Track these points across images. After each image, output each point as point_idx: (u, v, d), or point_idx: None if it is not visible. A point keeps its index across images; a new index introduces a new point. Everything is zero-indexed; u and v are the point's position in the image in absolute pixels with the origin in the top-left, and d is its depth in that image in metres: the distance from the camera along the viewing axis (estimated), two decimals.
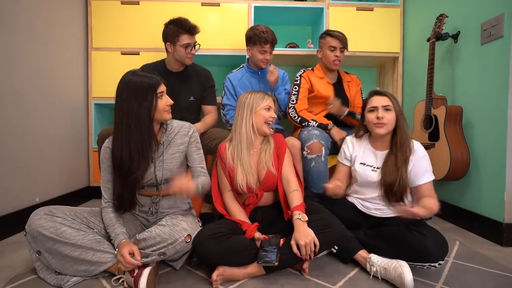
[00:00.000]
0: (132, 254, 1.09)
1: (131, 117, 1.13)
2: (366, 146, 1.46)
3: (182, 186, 1.12)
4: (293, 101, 1.97)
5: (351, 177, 1.52)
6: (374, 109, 1.36)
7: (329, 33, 1.96)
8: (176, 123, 1.34)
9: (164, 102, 1.21)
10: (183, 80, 1.92)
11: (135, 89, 1.14)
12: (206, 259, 1.18)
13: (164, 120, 1.25)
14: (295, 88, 1.99)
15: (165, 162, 1.28)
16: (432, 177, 1.32)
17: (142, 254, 1.12)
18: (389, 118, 1.35)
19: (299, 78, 2.00)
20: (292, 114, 1.94)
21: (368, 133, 1.48)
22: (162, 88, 1.21)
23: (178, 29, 1.79)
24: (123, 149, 1.15)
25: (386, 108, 1.35)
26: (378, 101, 1.36)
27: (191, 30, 1.80)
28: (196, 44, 1.86)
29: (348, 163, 1.51)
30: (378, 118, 1.34)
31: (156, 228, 1.13)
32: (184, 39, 1.79)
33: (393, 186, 1.31)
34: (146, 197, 1.31)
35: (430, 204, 1.22)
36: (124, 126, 1.14)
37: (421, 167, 1.31)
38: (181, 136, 1.32)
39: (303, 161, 1.73)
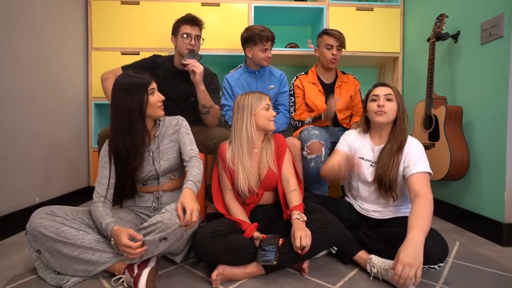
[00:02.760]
0: (132, 239, 1.09)
1: (125, 113, 1.22)
2: (366, 141, 1.46)
3: (184, 207, 1.12)
4: (291, 112, 2.06)
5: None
6: (376, 98, 1.38)
7: (326, 32, 1.98)
8: (168, 118, 1.42)
9: (156, 98, 1.28)
10: (187, 79, 1.91)
11: (128, 87, 1.22)
12: (204, 258, 1.19)
13: (157, 117, 1.32)
14: (291, 99, 2.07)
15: (162, 153, 1.34)
16: (426, 169, 1.27)
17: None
18: (390, 107, 1.36)
19: (292, 87, 2.06)
20: (293, 123, 2.05)
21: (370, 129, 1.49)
22: (153, 85, 1.28)
23: (180, 21, 1.86)
24: (119, 142, 1.23)
25: (388, 98, 1.36)
26: (380, 90, 1.38)
27: (191, 20, 1.84)
28: (201, 38, 1.88)
29: (346, 148, 1.51)
30: (379, 106, 1.36)
31: (156, 216, 1.15)
32: (184, 29, 1.83)
33: (383, 176, 1.32)
34: (149, 194, 1.35)
35: (418, 221, 1.13)
36: (119, 121, 1.22)
37: (413, 157, 1.30)
38: (172, 127, 1.39)
39: (303, 161, 1.73)
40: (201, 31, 1.90)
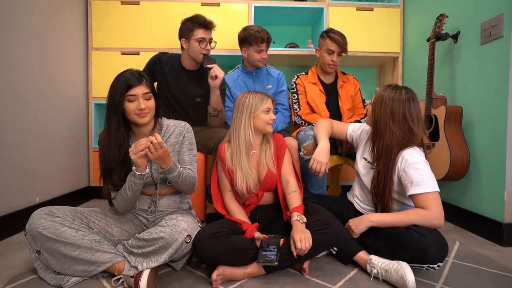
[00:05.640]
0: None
1: (107, 109, 1.20)
2: (370, 140, 1.43)
3: (157, 138, 1.08)
4: (296, 109, 2.01)
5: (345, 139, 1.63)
6: None
7: (329, 35, 1.93)
8: (173, 123, 1.35)
9: (134, 105, 1.18)
10: (194, 79, 1.91)
11: (115, 83, 1.19)
12: (206, 259, 1.18)
13: (136, 123, 1.22)
14: (294, 96, 2.03)
15: None
16: (423, 190, 1.17)
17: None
18: (368, 110, 1.37)
19: (295, 85, 2.04)
20: (298, 121, 1.99)
21: None
22: (136, 91, 1.18)
23: (193, 24, 1.81)
24: (104, 135, 1.23)
25: (371, 101, 1.37)
26: None
27: (206, 24, 1.81)
28: (212, 41, 1.87)
29: (351, 135, 1.57)
30: None
31: (156, 229, 1.14)
32: (199, 33, 1.80)
33: (373, 192, 1.31)
34: (146, 196, 1.32)
35: (400, 215, 1.19)
36: (106, 115, 1.21)
37: (406, 177, 1.22)
38: (176, 135, 1.32)
39: (300, 162, 1.73)
40: (211, 33, 1.88)
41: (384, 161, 1.27)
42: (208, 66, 1.74)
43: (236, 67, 2.13)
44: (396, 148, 1.26)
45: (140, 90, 1.19)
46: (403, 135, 1.26)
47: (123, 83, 1.17)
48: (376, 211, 1.35)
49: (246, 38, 1.94)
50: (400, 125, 1.26)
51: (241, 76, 2.07)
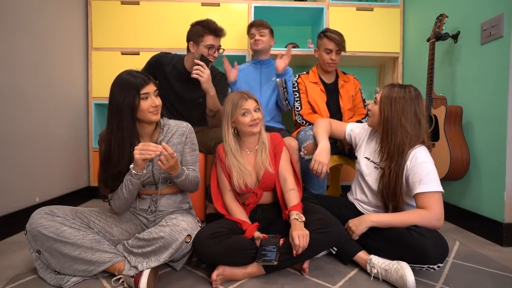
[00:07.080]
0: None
1: (115, 113, 1.16)
2: (374, 139, 1.43)
3: (167, 150, 1.10)
4: (297, 108, 2.00)
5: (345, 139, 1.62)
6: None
7: (326, 35, 1.93)
8: (174, 123, 1.35)
9: (149, 103, 1.18)
10: (197, 81, 1.91)
11: (122, 86, 1.16)
12: (205, 259, 1.19)
13: (149, 121, 1.22)
14: (296, 94, 2.01)
15: None
16: (430, 189, 1.19)
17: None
18: (373, 110, 1.35)
19: (296, 84, 2.03)
20: (300, 120, 1.98)
21: None
22: (148, 89, 1.18)
23: (204, 29, 1.80)
24: (106, 142, 1.19)
25: (374, 101, 1.36)
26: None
27: (217, 31, 1.81)
28: (221, 48, 1.87)
29: (349, 134, 1.55)
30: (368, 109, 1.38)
31: (156, 228, 1.14)
32: (209, 39, 1.80)
33: (384, 192, 1.30)
34: (146, 196, 1.32)
35: (402, 215, 1.20)
36: (110, 120, 1.17)
37: (415, 175, 1.23)
38: (178, 136, 1.33)
39: (300, 162, 1.73)
40: (220, 40, 1.88)
41: (397, 159, 1.26)
42: (196, 62, 1.72)
43: (248, 60, 2.19)
44: (408, 145, 1.26)
45: (151, 88, 1.20)
46: (414, 131, 1.27)
47: (135, 82, 1.16)
48: (386, 210, 1.33)
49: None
50: (412, 121, 1.28)
51: (250, 67, 2.11)
